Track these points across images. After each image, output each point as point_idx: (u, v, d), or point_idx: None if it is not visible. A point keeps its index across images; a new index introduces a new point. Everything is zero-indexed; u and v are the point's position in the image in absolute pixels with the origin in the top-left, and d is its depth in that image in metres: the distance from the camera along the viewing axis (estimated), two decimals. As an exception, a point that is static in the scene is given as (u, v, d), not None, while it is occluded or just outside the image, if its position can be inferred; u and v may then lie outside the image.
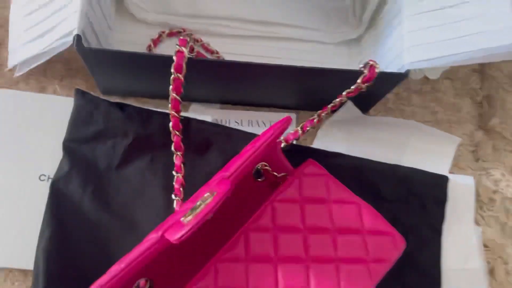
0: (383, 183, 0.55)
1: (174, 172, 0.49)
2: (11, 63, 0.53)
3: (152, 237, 0.37)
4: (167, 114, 0.52)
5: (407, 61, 0.47)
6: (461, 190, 0.56)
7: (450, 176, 0.56)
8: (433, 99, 0.62)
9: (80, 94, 0.52)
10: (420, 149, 0.58)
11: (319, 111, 0.51)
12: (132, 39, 0.57)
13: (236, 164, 0.41)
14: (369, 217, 0.46)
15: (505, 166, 0.59)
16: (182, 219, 0.36)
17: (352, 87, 0.48)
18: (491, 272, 0.55)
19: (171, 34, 0.59)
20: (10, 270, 0.48)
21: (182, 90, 0.46)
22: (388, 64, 0.51)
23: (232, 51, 0.59)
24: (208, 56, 0.59)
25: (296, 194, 0.47)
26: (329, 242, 0.45)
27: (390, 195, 0.54)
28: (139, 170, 0.51)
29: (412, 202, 0.54)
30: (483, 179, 0.58)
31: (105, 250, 0.47)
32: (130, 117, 0.52)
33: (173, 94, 0.46)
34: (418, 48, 0.47)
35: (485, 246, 0.55)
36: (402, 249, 0.46)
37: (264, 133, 0.44)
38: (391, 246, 0.45)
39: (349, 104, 0.57)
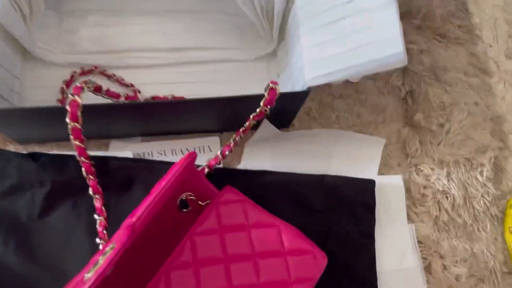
0: (312, 194, 0.55)
1: (96, 216, 0.49)
2: None
3: None
4: (83, 158, 0.51)
5: (307, 77, 0.47)
6: (390, 191, 0.57)
7: (378, 178, 0.57)
8: (356, 101, 0.62)
9: (-10, 150, 0.51)
10: (346, 155, 0.58)
11: (234, 135, 0.51)
12: (43, 83, 0.57)
13: (141, 208, 0.41)
14: (289, 237, 0.46)
15: (433, 160, 0.59)
16: (85, 275, 0.36)
17: (257, 110, 0.48)
18: (428, 268, 0.55)
19: (83, 73, 0.58)
20: None
21: (83, 137, 0.45)
22: (296, 80, 0.51)
23: (148, 80, 0.58)
24: (124, 89, 0.58)
25: (215, 224, 0.47)
26: (251, 268, 0.45)
27: (320, 206, 0.54)
28: (63, 217, 0.51)
29: (343, 211, 0.54)
30: (413, 175, 0.59)
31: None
32: (44, 166, 0.51)
33: (75, 143, 0.45)
34: (315, 64, 0.46)
35: (420, 242, 0.56)
36: (323, 265, 0.46)
37: (168, 173, 0.44)
38: (313, 264, 0.45)
39: (265, 123, 0.57)
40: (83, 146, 0.46)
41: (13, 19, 0.51)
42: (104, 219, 0.49)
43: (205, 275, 0.44)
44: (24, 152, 0.52)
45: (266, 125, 0.56)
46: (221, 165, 0.56)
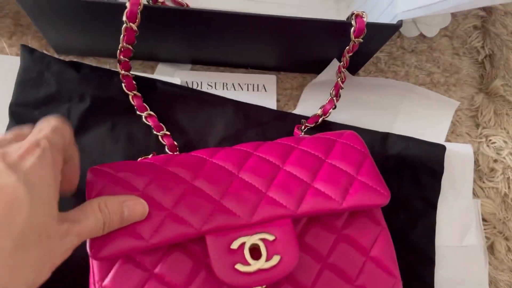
0: (372, 153, 0.49)
1: (155, 132, 0.45)
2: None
3: (191, 226, 0.34)
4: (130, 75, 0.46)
5: (399, 10, 0.41)
6: (458, 160, 0.51)
7: (446, 144, 0.51)
8: (429, 59, 0.56)
9: (28, 52, 0.45)
10: (415, 114, 0.52)
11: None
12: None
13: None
14: (382, 247, 0.39)
15: (507, 133, 0.53)
16: (238, 265, 0.33)
17: (349, 45, 0.42)
18: (491, 249, 0.50)
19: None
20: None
21: (135, 40, 0.40)
22: (379, 16, 0.45)
23: (204, 5, 0.52)
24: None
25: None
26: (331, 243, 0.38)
27: (380, 166, 0.49)
28: (99, 139, 0.45)
29: (405, 174, 0.49)
30: (483, 147, 0.53)
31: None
32: (87, 78, 0.46)
33: (124, 44, 0.40)
34: (411, -5, 0.40)
35: (484, 220, 0.50)
36: None
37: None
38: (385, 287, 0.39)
39: (335, 63, 0.51)
40: (131, 48, 0.40)
41: None
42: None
43: None
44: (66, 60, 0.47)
45: (335, 66, 0.50)
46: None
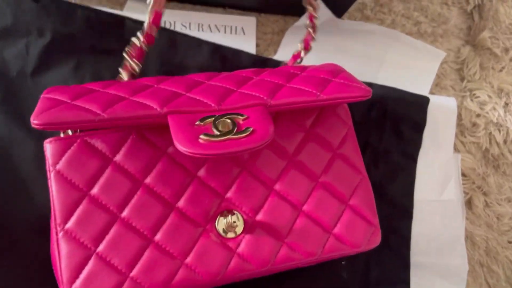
0: (355, 104, 0.47)
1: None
2: None
3: (151, 108, 0.30)
4: (94, 9, 0.42)
5: None
6: (441, 113, 0.49)
7: (430, 97, 0.49)
8: (417, 7, 0.53)
9: (-20, -21, 0.41)
10: (400, 63, 0.50)
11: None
12: None
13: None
14: (361, 195, 0.38)
15: (492, 87, 0.52)
16: (202, 135, 0.29)
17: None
18: (468, 203, 0.49)
19: None
20: None
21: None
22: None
23: None
24: None
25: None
26: (308, 191, 0.36)
27: (362, 117, 0.47)
28: (61, 78, 0.42)
29: (386, 126, 0.47)
30: (467, 101, 0.52)
31: (19, 174, 0.39)
32: (47, 10, 0.42)
33: None
34: None
35: (464, 175, 0.49)
36: (371, 247, 0.37)
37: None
38: (363, 236, 0.37)
39: (321, 5, 0.47)
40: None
41: None
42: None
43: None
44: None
45: (320, 7, 0.47)
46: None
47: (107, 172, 0.31)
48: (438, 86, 0.51)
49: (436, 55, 0.51)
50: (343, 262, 0.43)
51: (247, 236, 0.33)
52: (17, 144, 0.40)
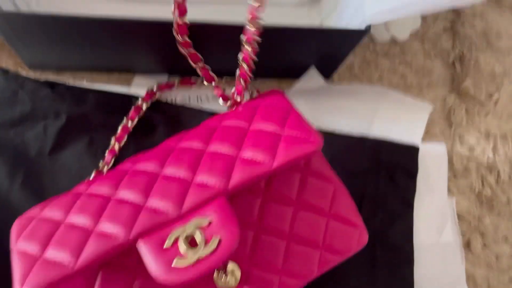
0: (350, 156, 0.50)
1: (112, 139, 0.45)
2: None
3: (117, 237, 0.32)
4: (103, 92, 0.46)
5: (368, 13, 0.42)
6: (433, 159, 0.52)
7: (421, 144, 0.52)
8: (402, 62, 0.57)
9: (2, 73, 0.46)
10: (390, 118, 0.53)
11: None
12: (64, 7, 0.51)
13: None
14: (341, 201, 0.40)
15: (479, 131, 0.55)
16: (175, 261, 0.31)
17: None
18: (467, 245, 0.51)
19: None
20: None
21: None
22: (349, 21, 0.46)
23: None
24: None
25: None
26: (288, 215, 0.38)
27: (357, 168, 0.50)
28: (76, 154, 0.46)
29: (381, 175, 0.50)
30: (457, 146, 0.54)
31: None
32: (61, 95, 0.46)
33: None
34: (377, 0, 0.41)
35: (460, 217, 0.52)
36: (361, 246, 0.40)
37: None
38: (352, 240, 0.39)
39: (312, 71, 0.52)
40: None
41: None
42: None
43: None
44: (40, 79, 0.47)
45: (313, 73, 0.51)
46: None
47: None
48: (428, 134, 0.55)
49: (424, 108, 0.54)
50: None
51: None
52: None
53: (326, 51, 0.44)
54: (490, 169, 0.53)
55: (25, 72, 0.49)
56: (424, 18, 0.58)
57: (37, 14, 0.43)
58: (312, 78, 0.52)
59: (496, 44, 0.58)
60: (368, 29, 0.44)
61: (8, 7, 0.44)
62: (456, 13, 0.59)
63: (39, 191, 0.44)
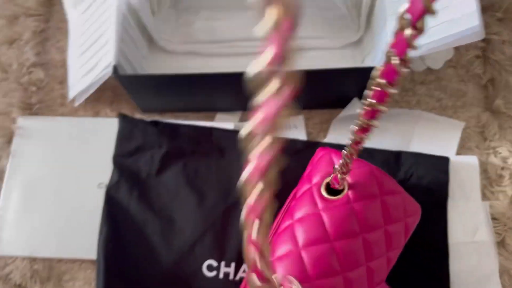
0: (388, 167, 0.60)
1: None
2: (71, 95, 0.66)
3: None
4: (193, 126, 0.62)
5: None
6: (466, 170, 0.61)
7: (455, 157, 0.61)
8: (437, 87, 0.66)
9: (122, 117, 0.63)
10: (426, 135, 0.63)
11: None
12: (163, 67, 0.68)
13: None
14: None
15: (511, 144, 0.62)
16: None
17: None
18: (502, 243, 0.58)
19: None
20: (83, 261, 0.60)
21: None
22: (381, 60, 0.58)
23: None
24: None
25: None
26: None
27: (395, 177, 0.60)
28: (174, 175, 0.61)
29: (417, 184, 0.59)
30: (491, 157, 0.62)
31: (150, 243, 0.58)
32: (162, 131, 0.62)
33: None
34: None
35: (495, 219, 0.59)
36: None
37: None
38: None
39: (355, 100, 0.63)
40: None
41: (145, 12, 0.63)
42: None
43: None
44: (148, 119, 0.64)
45: (355, 102, 0.63)
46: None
47: None
48: (464, 148, 0.63)
49: (457, 125, 0.63)
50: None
51: None
52: (148, 222, 0.59)
53: (366, 83, 0.55)
54: (522, 176, 0.60)
55: (138, 115, 0.66)
56: (457, 48, 0.67)
57: (147, 76, 0.61)
58: (355, 106, 0.63)
59: (525, 66, 0.65)
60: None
61: (128, 69, 0.62)
62: (486, 41, 0.67)
63: (149, 203, 0.60)
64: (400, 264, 0.56)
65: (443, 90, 0.66)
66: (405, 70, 0.27)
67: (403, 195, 0.50)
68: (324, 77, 0.58)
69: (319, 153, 0.53)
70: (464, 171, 0.60)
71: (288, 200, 0.51)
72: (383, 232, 0.47)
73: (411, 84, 0.67)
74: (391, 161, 0.60)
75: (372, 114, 0.32)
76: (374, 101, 0.31)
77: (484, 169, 0.61)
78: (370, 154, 0.61)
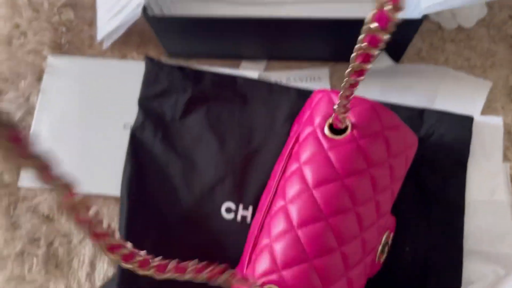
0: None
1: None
2: (99, 37, 0.67)
3: None
4: (217, 73, 0.63)
5: (423, 6, 0.53)
6: (489, 130, 0.60)
7: (479, 117, 0.60)
8: (467, 46, 0.65)
9: (148, 60, 0.64)
10: (452, 93, 0.62)
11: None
12: (191, 13, 0.68)
13: None
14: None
15: (539, 106, 0.61)
16: None
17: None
18: (520, 204, 0.58)
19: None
20: (105, 198, 0.63)
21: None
22: (411, 13, 0.57)
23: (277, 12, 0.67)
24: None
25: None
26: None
27: (418, 134, 0.60)
28: (198, 120, 0.62)
29: (438, 140, 0.59)
30: (516, 119, 0.61)
31: (172, 183, 0.60)
32: (188, 76, 0.63)
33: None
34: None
35: (514, 181, 0.59)
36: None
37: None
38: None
39: (382, 54, 0.63)
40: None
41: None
42: None
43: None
44: (174, 64, 0.65)
45: (383, 56, 0.62)
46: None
47: None
48: (490, 108, 0.62)
49: (484, 84, 0.62)
50: (407, 249, 0.56)
51: None
52: (171, 163, 0.61)
53: (393, 38, 0.55)
54: (547, 139, 0.60)
55: (164, 59, 0.67)
56: (490, 6, 0.66)
57: (176, 17, 0.62)
58: (383, 60, 0.63)
59: (561, 27, 0.63)
60: (424, 18, 0.54)
61: (157, 11, 0.62)
62: (522, 1, 0.65)
63: (172, 145, 0.61)
64: (415, 218, 0.57)
65: (473, 49, 0.65)
66: (397, 15, 0.27)
67: (403, 128, 0.51)
68: (352, 26, 0.57)
69: (316, 95, 0.53)
70: (488, 131, 0.60)
71: (289, 146, 0.52)
72: (388, 167, 0.48)
73: (440, 42, 0.66)
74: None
75: (365, 58, 0.32)
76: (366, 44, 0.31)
77: (508, 131, 0.61)
78: (395, 110, 0.60)
